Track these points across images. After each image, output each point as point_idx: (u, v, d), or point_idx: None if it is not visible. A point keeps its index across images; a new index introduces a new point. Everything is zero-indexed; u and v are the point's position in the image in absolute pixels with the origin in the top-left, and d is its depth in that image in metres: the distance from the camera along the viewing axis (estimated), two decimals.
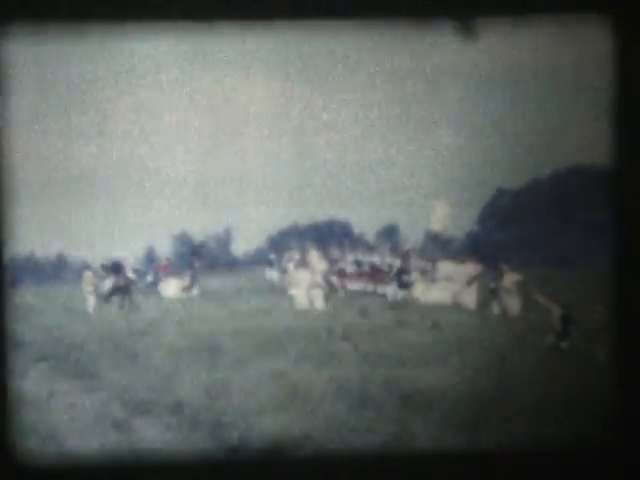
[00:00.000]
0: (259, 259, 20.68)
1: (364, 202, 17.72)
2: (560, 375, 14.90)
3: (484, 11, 10.97)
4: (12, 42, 11.15)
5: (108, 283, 19.82)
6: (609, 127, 10.99)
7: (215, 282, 20.84)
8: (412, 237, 20.11)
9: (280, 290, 20.36)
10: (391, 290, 20.30)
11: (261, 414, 13.56)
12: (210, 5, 10.76)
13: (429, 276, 20.39)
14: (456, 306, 19.66)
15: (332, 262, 20.60)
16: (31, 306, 17.52)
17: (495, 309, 19.20)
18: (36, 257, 18.33)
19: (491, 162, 16.95)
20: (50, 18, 10.81)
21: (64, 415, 13.72)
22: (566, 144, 16.75)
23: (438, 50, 15.19)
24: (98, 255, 19.63)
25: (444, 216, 18.75)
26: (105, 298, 19.52)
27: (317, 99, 17.05)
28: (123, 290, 19.64)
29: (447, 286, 20.00)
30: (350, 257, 20.90)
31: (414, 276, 20.39)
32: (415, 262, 20.58)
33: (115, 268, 19.84)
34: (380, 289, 20.56)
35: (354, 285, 20.82)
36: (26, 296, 16.78)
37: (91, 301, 19.44)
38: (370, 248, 20.88)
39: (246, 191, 17.78)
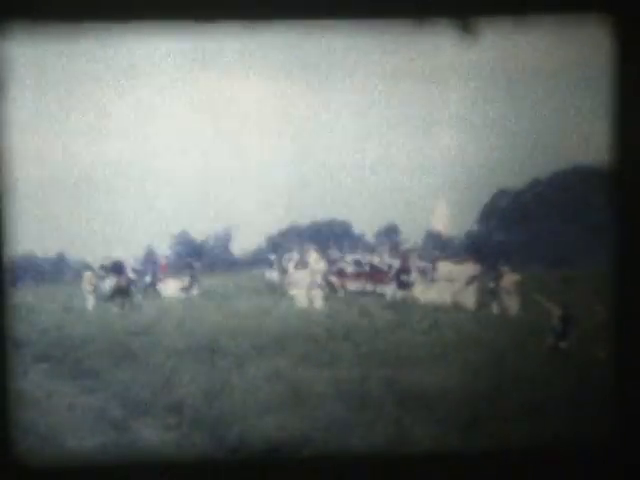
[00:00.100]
0: (259, 259, 20.69)
1: (364, 202, 17.73)
2: (560, 375, 14.90)
3: (484, 11, 10.96)
4: (12, 42, 11.15)
5: (109, 283, 19.83)
6: (609, 127, 10.99)
7: (215, 282, 20.85)
8: (412, 237, 20.13)
9: (280, 290, 20.37)
10: (390, 290, 20.31)
11: (261, 414, 13.56)
12: (210, 5, 10.76)
13: (429, 276, 20.40)
14: (455, 306, 19.67)
15: (332, 262, 20.62)
16: (31, 306, 17.53)
17: (495, 309, 19.21)
18: (36, 257, 18.34)
19: (491, 162, 16.96)
20: (50, 18, 10.80)
21: (64, 415, 13.72)
22: (566, 144, 16.76)
23: (438, 50, 15.19)
24: (98, 255, 19.65)
25: (444, 216, 18.76)
26: (108, 298, 19.54)
27: (317, 99, 17.05)
28: (124, 290, 19.65)
29: (446, 286, 20.01)
30: (350, 257, 20.91)
31: (414, 276, 20.40)
32: (415, 262, 20.60)
33: (116, 268, 19.86)
34: (380, 289, 20.58)
35: (354, 285, 20.83)
36: (26, 296, 16.79)
37: (91, 301, 19.45)
38: (370, 248, 20.89)
39: (246, 191, 17.79)
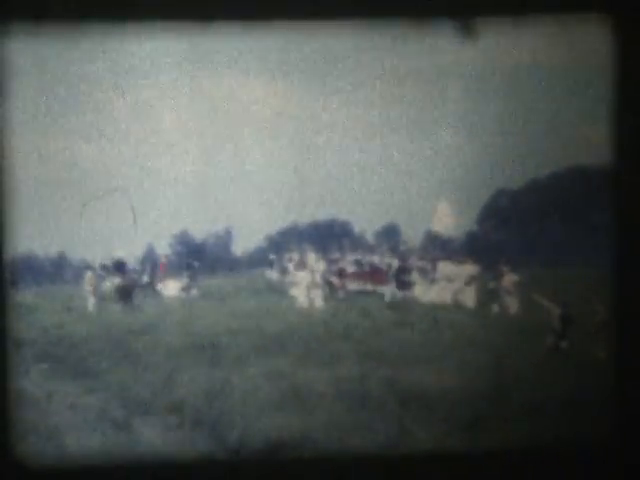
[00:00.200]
0: (259, 259, 20.68)
1: (364, 202, 17.72)
2: (559, 375, 14.90)
3: (484, 11, 10.97)
4: (12, 42, 11.15)
5: (111, 283, 19.83)
6: (609, 127, 10.99)
7: (215, 282, 20.84)
8: (412, 237, 20.11)
9: (280, 290, 20.36)
10: (390, 290, 20.31)
11: (261, 414, 13.56)
12: (210, 5, 10.75)
13: (429, 276, 20.39)
14: (456, 306, 19.66)
15: (332, 262, 20.60)
16: (31, 306, 17.52)
17: (495, 309, 19.20)
18: (36, 257, 18.33)
19: (491, 162, 16.95)
20: (50, 18, 10.80)
21: (64, 415, 13.72)
22: (566, 144, 16.75)
23: (438, 50, 15.19)
24: (98, 255, 19.64)
25: (444, 216, 18.75)
26: (113, 298, 19.54)
27: (317, 99, 17.05)
28: (127, 290, 19.66)
29: (447, 286, 20.00)
30: (350, 257, 20.90)
31: (414, 276, 20.39)
32: (415, 262, 20.58)
33: (119, 268, 19.86)
34: (380, 289, 20.57)
35: (354, 285, 20.82)
36: (26, 296, 16.77)
37: (91, 301, 19.44)
38: (370, 248, 20.88)
39: (246, 191, 17.78)
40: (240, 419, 13.43)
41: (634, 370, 11.14)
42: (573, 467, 11.45)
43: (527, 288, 18.32)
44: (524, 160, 17.01)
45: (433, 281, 20.28)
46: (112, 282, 19.84)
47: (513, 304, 18.93)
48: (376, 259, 20.87)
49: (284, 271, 20.75)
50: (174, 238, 20.03)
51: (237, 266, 20.60)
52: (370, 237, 20.58)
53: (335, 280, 20.48)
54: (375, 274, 20.73)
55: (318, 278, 19.90)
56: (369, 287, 20.77)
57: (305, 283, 19.80)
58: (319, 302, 19.67)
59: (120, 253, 19.75)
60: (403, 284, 20.24)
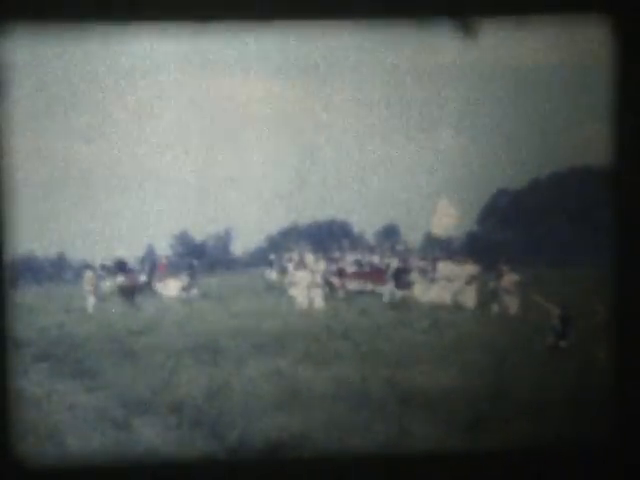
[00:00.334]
0: (259, 259, 20.69)
1: (364, 202, 17.72)
2: (559, 375, 14.90)
3: (484, 11, 10.97)
4: (12, 42, 11.15)
5: (109, 283, 19.84)
6: (609, 127, 10.99)
7: (215, 282, 20.84)
8: (412, 237, 20.13)
9: (280, 290, 20.37)
10: (388, 290, 20.31)
11: (261, 414, 13.56)
12: (210, 5, 10.76)
13: (429, 276, 20.40)
14: (456, 306, 19.67)
15: (332, 262, 20.62)
16: (31, 306, 17.52)
17: (495, 309, 19.21)
18: (36, 257, 18.34)
19: (491, 162, 16.96)
20: (50, 18, 10.80)
21: (64, 415, 13.72)
22: (566, 144, 16.76)
23: (438, 50, 15.20)
24: (98, 255, 19.65)
25: (444, 215, 18.76)
26: (117, 297, 19.57)
27: (317, 99, 17.05)
28: (130, 289, 19.69)
29: (447, 286, 20.01)
30: (350, 257, 20.91)
31: (414, 276, 20.40)
32: (415, 262, 20.60)
33: (121, 267, 19.88)
34: (380, 289, 20.58)
35: (354, 285, 20.83)
36: (26, 296, 16.78)
37: (91, 301, 19.45)
38: (370, 248, 20.89)
39: (246, 191, 17.79)
40: (240, 419, 13.43)
41: (634, 370, 11.14)
42: (573, 467, 11.45)
43: (527, 288, 18.33)
44: (524, 160, 17.02)
45: (433, 281, 20.29)
46: (114, 282, 19.87)
47: (513, 304, 18.94)
48: (376, 259, 20.88)
49: (284, 271, 20.77)
50: (174, 238, 20.05)
51: (237, 266, 20.61)
52: (370, 237, 20.60)
53: (335, 280, 20.50)
54: (375, 274, 20.74)
55: (318, 278, 19.90)
56: (369, 287, 20.78)
57: (305, 283, 19.81)
58: (319, 302, 19.67)
59: (120, 253, 19.78)
60: (403, 284, 20.25)
